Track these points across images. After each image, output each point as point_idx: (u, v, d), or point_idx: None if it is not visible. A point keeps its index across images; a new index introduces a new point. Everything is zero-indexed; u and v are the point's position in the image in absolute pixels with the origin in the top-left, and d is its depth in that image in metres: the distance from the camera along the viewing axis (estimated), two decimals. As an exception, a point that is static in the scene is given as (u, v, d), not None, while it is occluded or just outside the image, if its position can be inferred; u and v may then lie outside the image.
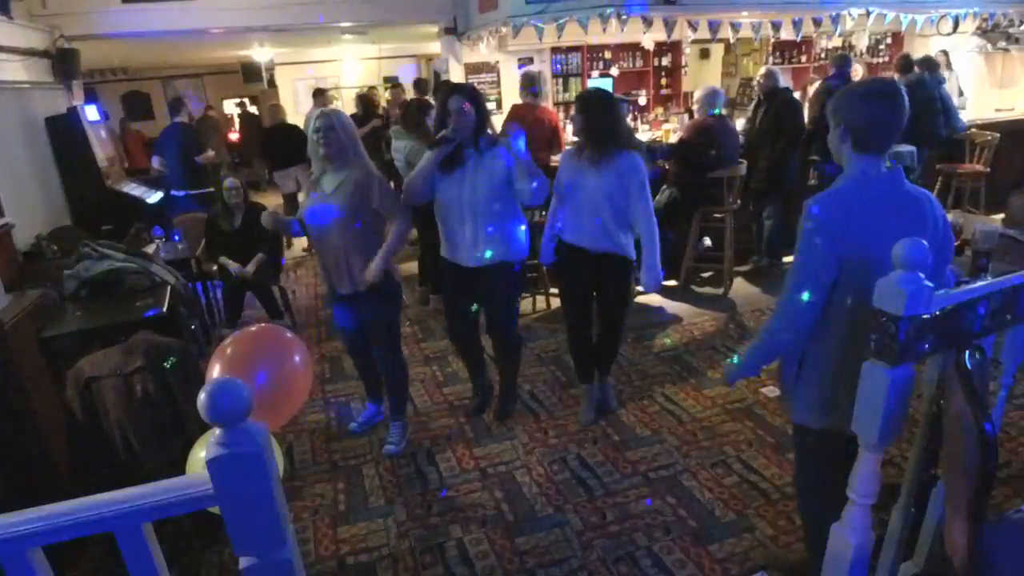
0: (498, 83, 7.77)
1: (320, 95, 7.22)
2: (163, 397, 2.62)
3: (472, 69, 7.62)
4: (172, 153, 6.15)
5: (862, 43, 8.11)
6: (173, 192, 6.19)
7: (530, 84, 5.05)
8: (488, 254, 3.03)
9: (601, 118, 2.93)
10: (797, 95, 6.06)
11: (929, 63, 6.21)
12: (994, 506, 2.48)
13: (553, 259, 3.24)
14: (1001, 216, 4.79)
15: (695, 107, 5.08)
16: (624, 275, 3.17)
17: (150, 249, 4.54)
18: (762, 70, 5.46)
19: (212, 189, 6.24)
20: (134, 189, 6.27)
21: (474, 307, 3.29)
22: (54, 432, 2.70)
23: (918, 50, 7.23)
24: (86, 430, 2.62)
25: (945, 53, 6.82)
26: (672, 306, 4.91)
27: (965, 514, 1.48)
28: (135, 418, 2.59)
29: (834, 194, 1.72)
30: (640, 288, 3.49)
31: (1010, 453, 2.92)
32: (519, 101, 5.18)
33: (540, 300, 4.99)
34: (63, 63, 5.99)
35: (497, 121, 5.81)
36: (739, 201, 5.01)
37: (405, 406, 3.36)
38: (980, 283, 1.66)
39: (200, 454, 2.03)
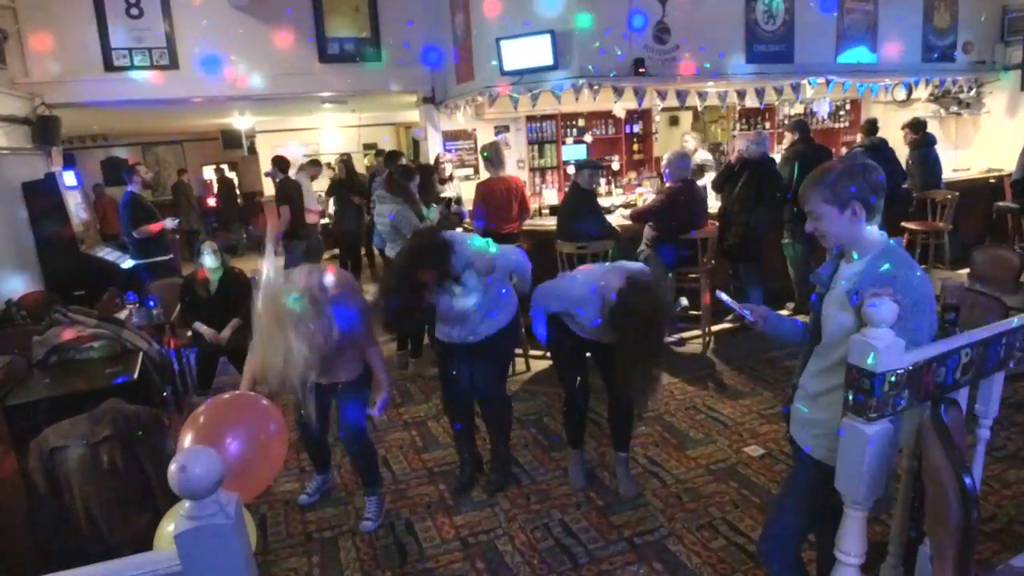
0: (475, 150, 7.96)
1: (311, 166, 7.21)
2: (131, 468, 2.53)
3: (450, 136, 7.82)
4: (125, 222, 5.91)
5: (823, 110, 8.51)
6: (129, 260, 6.02)
7: (487, 158, 5.21)
8: (486, 331, 3.09)
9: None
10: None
11: (917, 124, 6.62)
12: (983, 561, 2.45)
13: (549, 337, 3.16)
14: (966, 271, 4.94)
15: (665, 172, 5.21)
16: None
17: (123, 315, 4.46)
18: (750, 135, 5.64)
19: (169, 256, 6.08)
20: (108, 254, 6.20)
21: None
22: (14, 505, 2.57)
23: (879, 116, 7.57)
24: (48, 502, 2.50)
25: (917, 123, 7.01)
26: (652, 365, 4.90)
27: (953, 569, 1.47)
28: (100, 490, 2.49)
29: (905, 258, 1.75)
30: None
31: (994, 507, 2.91)
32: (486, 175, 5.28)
33: (520, 362, 4.96)
34: (44, 130, 6.03)
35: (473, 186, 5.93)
36: (713, 261, 5.11)
37: (378, 481, 3.22)
38: (951, 337, 1.70)
39: (168, 528, 1.95)
